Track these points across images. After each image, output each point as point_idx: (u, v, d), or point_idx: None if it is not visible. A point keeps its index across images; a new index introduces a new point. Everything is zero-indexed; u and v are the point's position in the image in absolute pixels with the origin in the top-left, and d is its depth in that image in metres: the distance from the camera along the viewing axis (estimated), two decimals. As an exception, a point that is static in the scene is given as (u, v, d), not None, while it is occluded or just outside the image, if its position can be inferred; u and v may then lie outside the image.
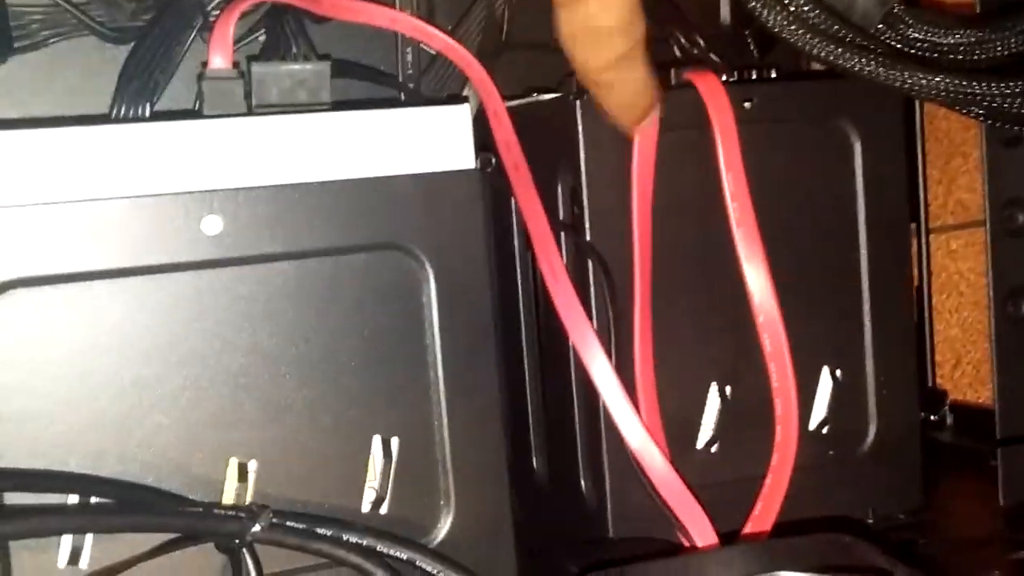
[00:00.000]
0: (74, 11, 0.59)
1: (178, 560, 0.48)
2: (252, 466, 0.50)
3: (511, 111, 0.58)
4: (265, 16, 0.59)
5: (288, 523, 0.48)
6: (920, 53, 0.62)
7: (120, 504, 0.47)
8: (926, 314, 0.83)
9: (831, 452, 0.64)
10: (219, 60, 0.53)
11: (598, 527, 0.59)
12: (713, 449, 0.61)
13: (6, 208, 0.46)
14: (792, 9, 0.60)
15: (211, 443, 0.50)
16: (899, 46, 0.62)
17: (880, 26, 0.62)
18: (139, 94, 0.56)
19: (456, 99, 0.61)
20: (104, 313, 0.48)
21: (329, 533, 0.49)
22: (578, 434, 0.60)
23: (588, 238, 0.58)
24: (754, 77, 0.63)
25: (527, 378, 0.65)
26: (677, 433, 0.59)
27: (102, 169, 0.48)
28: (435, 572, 0.50)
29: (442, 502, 0.53)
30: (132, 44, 0.59)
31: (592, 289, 0.58)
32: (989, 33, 0.61)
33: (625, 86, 0.56)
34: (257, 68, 0.53)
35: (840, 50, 0.59)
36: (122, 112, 0.55)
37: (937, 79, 0.58)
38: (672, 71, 0.61)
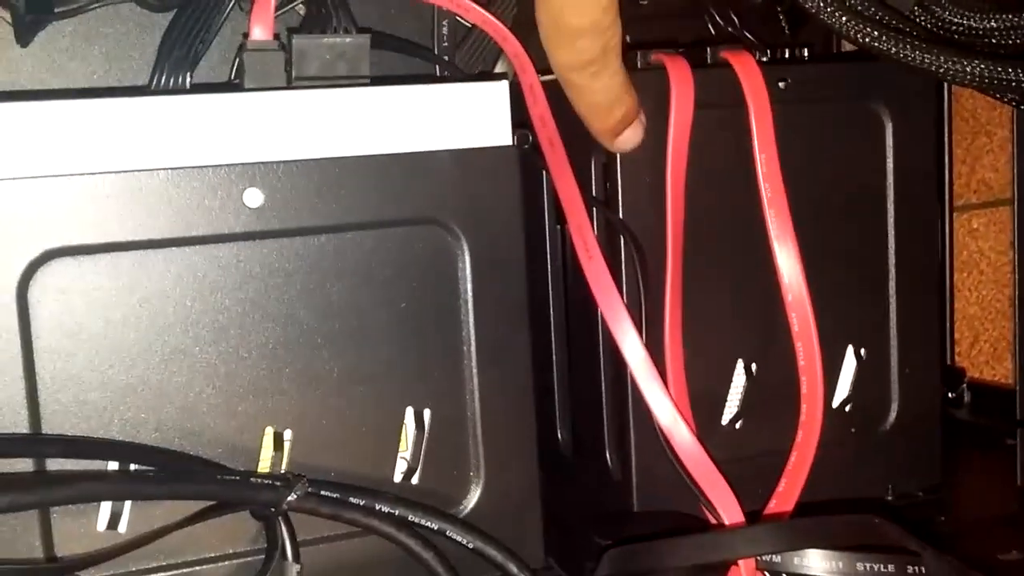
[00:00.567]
0: (115, -22, 0.59)
1: (214, 526, 0.49)
2: (288, 435, 0.51)
3: (546, 85, 0.58)
4: (305, -14, 0.59)
5: (322, 492, 0.49)
6: (955, 37, 0.62)
7: (158, 472, 0.48)
8: (946, 292, 0.83)
9: (853, 430, 0.64)
10: (260, 31, 0.53)
11: (623, 499, 0.60)
12: (738, 425, 0.62)
13: (49, 178, 0.47)
14: (828, -10, 0.61)
15: (248, 413, 0.51)
16: (934, 29, 0.62)
17: (916, 8, 0.62)
18: (179, 64, 0.56)
19: (494, 76, 0.61)
20: (144, 283, 0.49)
21: (362, 503, 0.50)
22: (604, 407, 0.61)
23: (620, 215, 0.59)
24: (787, 57, 0.63)
25: (554, 350, 0.65)
26: (703, 408, 0.60)
27: (144, 140, 0.48)
28: (465, 542, 0.51)
29: (472, 473, 0.54)
30: (171, 13, 0.59)
31: (624, 265, 0.59)
32: (1024, 18, 0.61)
33: (594, 91, 0.55)
34: (298, 40, 0.53)
35: (876, 32, 0.59)
36: (162, 81, 0.56)
37: (972, 64, 0.58)
38: (708, 49, 0.61)
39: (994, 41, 0.61)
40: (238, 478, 0.48)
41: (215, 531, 0.50)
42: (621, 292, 0.58)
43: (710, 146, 0.59)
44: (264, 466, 0.51)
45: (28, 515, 0.47)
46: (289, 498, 0.48)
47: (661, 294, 0.58)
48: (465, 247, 0.53)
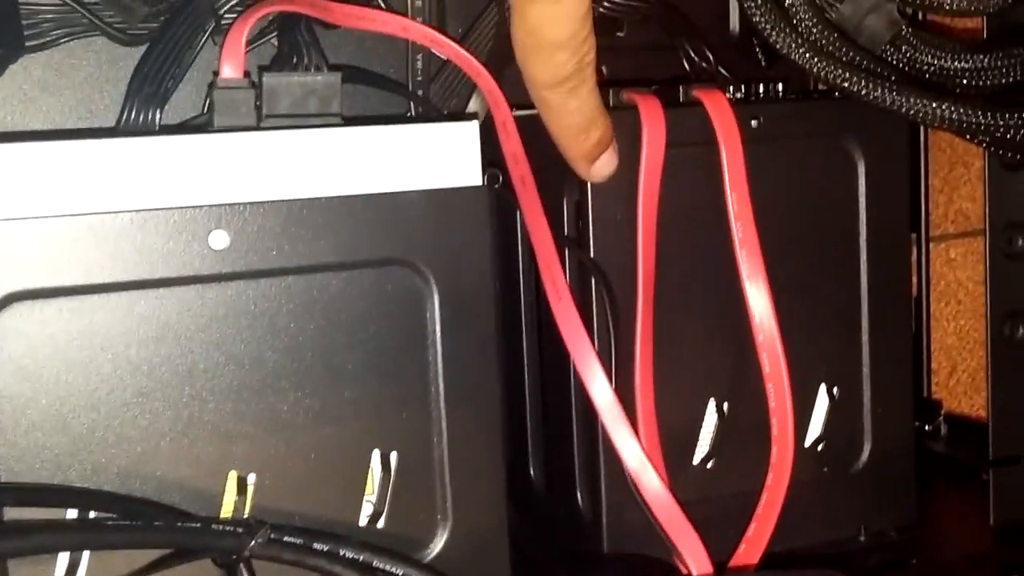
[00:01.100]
0: (86, 13, 0.58)
1: (176, 574, 0.48)
2: (251, 479, 0.51)
3: (519, 121, 0.58)
4: (277, 23, 0.59)
5: (285, 538, 0.49)
6: (927, 77, 0.62)
7: (118, 520, 0.47)
8: (923, 323, 0.83)
9: (825, 469, 0.64)
10: (230, 70, 0.53)
11: (593, 541, 0.60)
12: (709, 465, 0.61)
13: (12, 221, 0.46)
14: (800, 30, 0.61)
15: (211, 456, 0.50)
16: (906, 69, 0.62)
17: (888, 47, 0.62)
18: (150, 100, 0.56)
19: (464, 116, 0.61)
20: (107, 326, 0.48)
21: (326, 548, 0.49)
22: (576, 449, 0.61)
23: (592, 253, 0.58)
24: (762, 91, 0.63)
25: (527, 388, 0.65)
26: (674, 448, 0.60)
27: (109, 182, 0.48)
28: (431, 587, 0.50)
29: (439, 516, 0.54)
30: (143, 46, 0.59)
31: (595, 305, 0.58)
32: (996, 59, 0.62)
33: (570, 111, 0.55)
34: (268, 78, 0.53)
35: (846, 73, 0.59)
36: (132, 117, 0.55)
37: (943, 107, 0.58)
38: (681, 87, 0.61)
39: (965, 82, 0.62)
40: (199, 525, 0.47)
41: (177, 579, 0.49)
42: (592, 332, 0.58)
43: (682, 185, 0.59)
44: (227, 511, 0.50)
45: (-17, 564, 0.47)
46: (251, 545, 0.47)
47: (632, 333, 0.58)
48: (434, 288, 0.53)
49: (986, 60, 0.62)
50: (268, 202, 0.50)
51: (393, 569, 0.50)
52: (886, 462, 0.65)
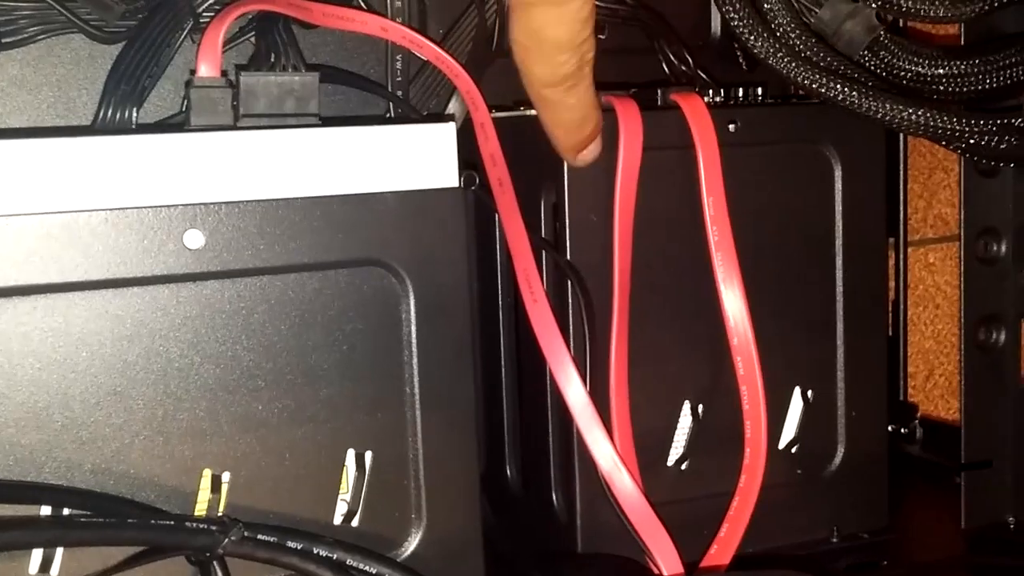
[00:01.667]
0: (63, 10, 0.58)
1: (149, 571, 0.49)
2: (225, 478, 0.51)
3: (498, 123, 0.58)
4: (255, 22, 0.59)
5: (259, 536, 0.49)
6: (904, 83, 0.62)
7: (92, 517, 0.47)
8: (901, 326, 0.84)
9: (799, 471, 0.64)
10: (207, 69, 0.53)
11: (567, 540, 0.60)
12: (683, 466, 0.62)
13: (-14, 218, 0.47)
14: (779, 35, 0.61)
15: (186, 454, 0.50)
16: (883, 74, 0.63)
17: (865, 53, 0.63)
18: (127, 98, 0.56)
19: (442, 117, 0.61)
20: (82, 324, 0.49)
21: (299, 547, 0.49)
22: (551, 449, 0.61)
23: (568, 256, 0.59)
24: (740, 95, 0.64)
25: (504, 388, 0.65)
26: (649, 449, 0.60)
27: (85, 181, 0.48)
28: (403, 586, 0.50)
29: (413, 516, 0.54)
30: (120, 44, 0.59)
31: (570, 307, 0.59)
32: (973, 66, 0.62)
33: (568, 107, 0.55)
34: (245, 77, 0.53)
35: (823, 79, 0.60)
36: (109, 115, 0.55)
37: (918, 113, 0.58)
38: (659, 91, 0.61)
39: (943, 88, 0.62)
40: (173, 523, 0.48)
41: None
42: (567, 334, 0.58)
43: (659, 188, 0.60)
44: (201, 508, 0.50)
45: (-42, 559, 0.47)
46: (225, 543, 0.48)
47: (608, 335, 0.58)
48: (410, 289, 0.53)
49: (963, 66, 0.62)
50: (244, 202, 0.50)
51: (367, 567, 0.50)
52: (859, 465, 0.65)
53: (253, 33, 0.61)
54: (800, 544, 0.64)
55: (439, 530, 0.54)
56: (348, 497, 0.53)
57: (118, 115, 0.56)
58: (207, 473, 0.51)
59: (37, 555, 0.48)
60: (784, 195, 0.63)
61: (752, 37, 0.60)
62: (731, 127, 0.61)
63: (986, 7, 0.62)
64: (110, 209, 0.48)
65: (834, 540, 0.65)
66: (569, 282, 0.58)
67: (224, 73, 0.53)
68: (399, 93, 0.65)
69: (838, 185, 0.64)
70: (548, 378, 0.60)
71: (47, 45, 0.62)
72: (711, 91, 0.63)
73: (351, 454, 0.53)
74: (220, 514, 0.51)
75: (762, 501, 0.60)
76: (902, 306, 0.84)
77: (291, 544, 0.49)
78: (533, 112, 0.58)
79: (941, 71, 0.62)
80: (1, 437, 0.48)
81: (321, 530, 0.51)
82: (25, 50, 0.62)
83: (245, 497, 0.51)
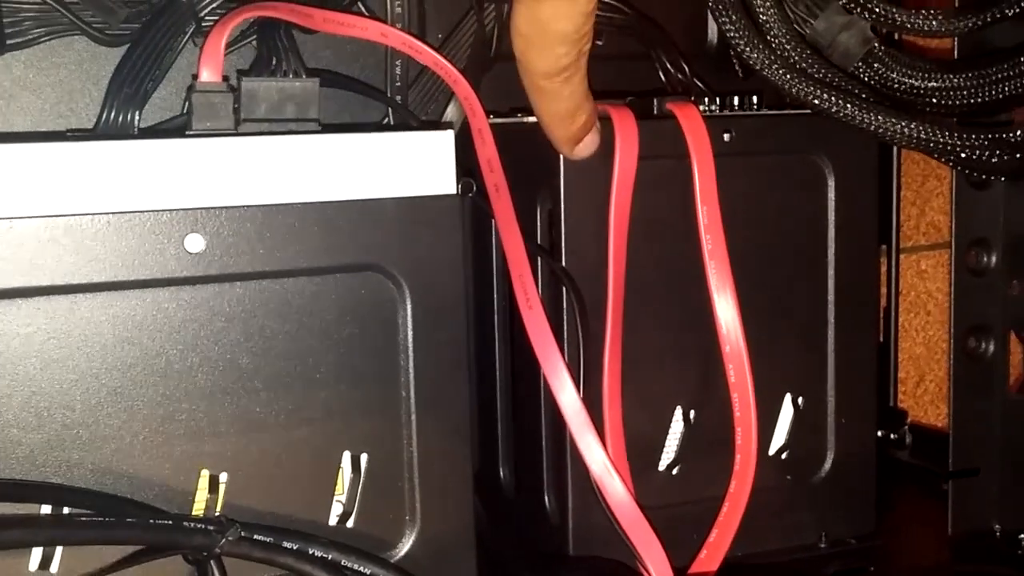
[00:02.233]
0: (66, 13, 0.59)
1: (147, 570, 0.49)
2: (223, 478, 0.52)
3: (495, 129, 0.59)
4: (257, 27, 0.59)
5: (255, 536, 0.50)
6: (897, 95, 0.63)
7: (91, 516, 0.48)
8: (892, 333, 0.85)
9: (789, 477, 0.65)
10: (209, 73, 0.53)
11: (559, 543, 0.61)
12: (675, 471, 0.62)
13: (-11, 221, 0.47)
14: (773, 46, 0.62)
15: (184, 455, 0.51)
16: (877, 86, 0.63)
17: (859, 65, 0.63)
18: (129, 101, 0.57)
19: (440, 125, 0.62)
20: (83, 326, 0.49)
21: (295, 547, 0.50)
22: (544, 453, 0.62)
23: (563, 262, 0.59)
24: (736, 104, 0.64)
25: (499, 392, 0.66)
26: (640, 454, 0.61)
27: (87, 185, 0.48)
28: (397, 587, 0.51)
29: (407, 517, 0.55)
30: (123, 47, 0.59)
31: (565, 313, 0.59)
32: (966, 79, 0.63)
33: (563, 97, 0.56)
34: (247, 82, 0.54)
35: (817, 90, 0.60)
36: (111, 118, 0.56)
37: (910, 126, 0.59)
38: (655, 101, 0.62)
39: (936, 101, 0.63)
40: (171, 522, 0.48)
41: (148, 574, 0.50)
42: (561, 340, 0.59)
43: (653, 197, 0.60)
44: (199, 508, 0.51)
45: (-42, 556, 0.47)
46: (222, 542, 0.48)
47: (601, 341, 0.59)
48: (406, 294, 0.54)
49: (956, 80, 0.63)
50: (244, 206, 0.51)
51: (361, 568, 0.51)
52: (848, 472, 0.66)
53: (254, 38, 0.61)
54: (788, 549, 0.65)
55: (433, 531, 0.55)
56: (343, 498, 0.54)
57: (120, 118, 0.56)
58: (205, 473, 0.51)
59: (37, 552, 0.49)
60: (777, 204, 0.64)
61: (747, 48, 0.61)
62: (726, 136, 0.62)
63: (979, 22, 0.62)
64: (112, 213, 0.49)
65: (822, 546, 0.66)
66: (564, 288, 0.59)
67: (225, 78, 0.54)
68: (398, 98, 0.66)
69: (831, 195, 0.64)
70: (542, 382, 0.61)
71: (50, 47, 0.63)
72: (707, 100, 0.64)
73: (347, 456, 0.54)
74: (217, 514, 0.51)
75: (751, 507, 0.60)
76: (893, 313, 0.84)
77: (287, 544, 0.50)
78: (531, 119, 0.59)
79: (934, 84, 0.63)
80: (2, 437, 0.48)
81: (317, 531, 0.52)
82: (29, 51, 0.62)
83: (242, 497, 0.52)
